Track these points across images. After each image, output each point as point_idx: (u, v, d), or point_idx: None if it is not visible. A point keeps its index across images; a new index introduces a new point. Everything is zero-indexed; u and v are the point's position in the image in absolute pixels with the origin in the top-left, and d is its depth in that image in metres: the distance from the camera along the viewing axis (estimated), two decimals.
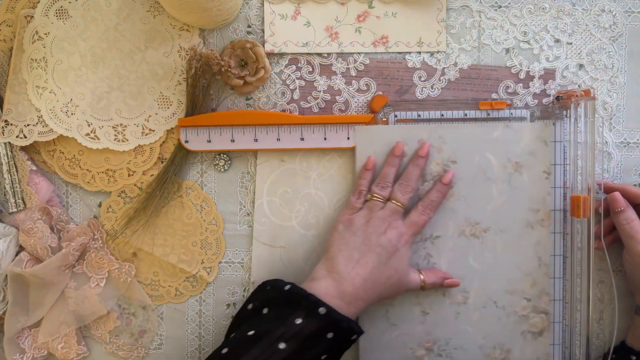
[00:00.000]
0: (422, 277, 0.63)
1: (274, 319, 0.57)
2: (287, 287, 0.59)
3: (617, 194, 0.62)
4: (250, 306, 0.61)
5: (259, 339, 0.55)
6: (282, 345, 0.54)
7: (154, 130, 0.66)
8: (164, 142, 0.67)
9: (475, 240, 0.65)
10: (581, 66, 0.67)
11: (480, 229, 0.65)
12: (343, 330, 0.57)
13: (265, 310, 0.59)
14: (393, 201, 0.62)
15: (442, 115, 0.65)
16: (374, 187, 0.63)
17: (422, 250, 0.65)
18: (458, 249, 0.65)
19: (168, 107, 0.66)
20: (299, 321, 0.55)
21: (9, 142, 0.66)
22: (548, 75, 0.67)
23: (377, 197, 0.62)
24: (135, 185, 0.68)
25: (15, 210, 0.66)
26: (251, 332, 0.56)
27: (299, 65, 0.67)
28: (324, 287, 0.58)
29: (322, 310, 0.56)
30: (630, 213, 0.62)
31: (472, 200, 0.65)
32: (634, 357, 0.63)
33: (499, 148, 0.64)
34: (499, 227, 0.65)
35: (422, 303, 0.66)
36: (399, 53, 0.67)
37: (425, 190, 0.64)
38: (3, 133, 0.66)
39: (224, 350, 0.56)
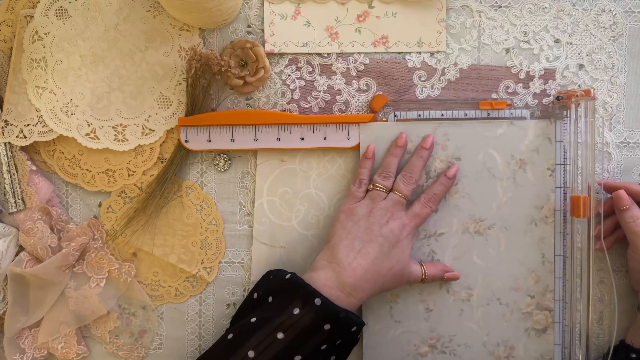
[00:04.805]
0: (423, 269, 0.63)
1: (275, 307, 0.58)
2: (288, 276, 0.60)
3: (622, 192, 0.62)
4: (255, 295, 0.62)
5: (260, 327, 0.56)
6: (280, 335, 0.55)
7: (154, 130, 0.66)
8: (164, 142, 0.67)
9: (479, 238, 0.65)
10: (581, 66, 0.67)
11: (485, 226, 0.65)
12: (341, 322, 0.57)
13: (270, 299, 0.59)
14: (396, 192, 0.62)
15: (442, 115, 0.65)
16: (376, 177, 0.63)
17: (426, 247, 0.65)
18: (462, 246, 0.65)
19: (168, 107, 0.66)
20: (296, 311, 0.56)
21: (9, 142, 0.66)
22: (548, 75, 0.67)
23: (379, 187, 0.62)
24: (135, 185, 0.68)
25: (15, 210, 0.66)
26: (254, 319, 0.57)
27: (299, 65, 0.67)
28: (323, 278, 0.59)
29: (317, 301, 0.56)
30: (636, 211, 0.62)
31: (477, 197, 0.65)
32: (634, 355, 0.63)
33: (503, 145, 0.64)
34: (503, 224, 0.65)
35: (426, 300, 0.66)
36: (399, 53, 0.67)
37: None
38: (3, 133, 0.66)
39: (230, 336, 0.57)
